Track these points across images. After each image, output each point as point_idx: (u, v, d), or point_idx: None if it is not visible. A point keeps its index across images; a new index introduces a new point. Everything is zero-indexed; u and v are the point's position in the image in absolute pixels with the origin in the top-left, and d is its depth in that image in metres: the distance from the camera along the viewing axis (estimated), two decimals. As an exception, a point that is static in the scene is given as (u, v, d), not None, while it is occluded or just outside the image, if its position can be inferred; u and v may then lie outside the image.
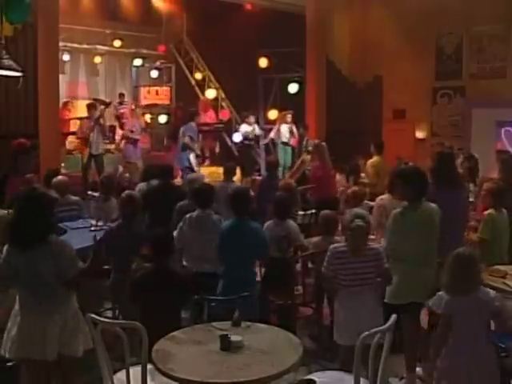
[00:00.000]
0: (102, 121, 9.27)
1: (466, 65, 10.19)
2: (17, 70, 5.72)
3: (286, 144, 10.48)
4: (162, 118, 13.03)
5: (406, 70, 10.44)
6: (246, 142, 9.23)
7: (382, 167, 7.55)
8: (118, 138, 11.46)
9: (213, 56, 12.66)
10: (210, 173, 11.01)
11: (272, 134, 10.43)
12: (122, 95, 12.74)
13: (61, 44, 9.68)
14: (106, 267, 4.55)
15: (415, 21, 10.17)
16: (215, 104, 12.83)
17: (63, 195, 5.67)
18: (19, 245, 3.06)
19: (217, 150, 11.69)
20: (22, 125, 8.19)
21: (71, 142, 11.26)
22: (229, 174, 6.78)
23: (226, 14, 12.11)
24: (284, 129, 10.41)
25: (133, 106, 10.09)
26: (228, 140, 11.83)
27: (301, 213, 8.16)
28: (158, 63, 13.43)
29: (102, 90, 13.62)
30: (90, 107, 9.40)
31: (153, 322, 3.12)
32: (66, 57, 12.38)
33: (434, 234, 3.87)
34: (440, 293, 3.10)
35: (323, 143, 7.36)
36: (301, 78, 11.57)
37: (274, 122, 11.70)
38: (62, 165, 10.33)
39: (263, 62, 12.05)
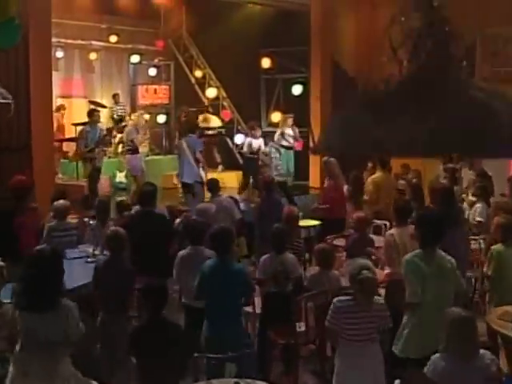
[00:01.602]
0: (106, 136, 9.39)
1: (478, 68, 10.13)
2: (7, 98, 5.76)
3: (289, 148, 10.53)
4: (161, 118, 13.08)
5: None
6: (252, 155, 9.27)
7: (385, 185, 7.51)
8: (115, 140, 11.52)
9: (213, 53, 12.65)
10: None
11: (277, 133, 10.53)
12: (116, 96, 12.71)
13: (54, 40, 9.63)
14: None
15: (425, 20, 10.13)
16: (216, 103, 12.88)
17: (62, 219, 5.76)
18: (28, 309, 3.14)
19: (218, 159, 11.71)
20: (15, 135, 8.24)
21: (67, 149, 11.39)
22: (214, 189, 6.84)
23: (228, 10, 12.08)
24: (287, 133, 10.47)
25: (141, 116, 10.11)
26: (230, 143, 11.92)
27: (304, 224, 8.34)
28: (156, 61, 13.43)
29: (97, 88, 13.63)
30: (90, 114, 9.42)
31: (150, 377, 3.22)
32: (59, 53, 12.36)
33: (451, 283, 3.85)
34: (435, 356, 3.14)
35: (332, 159, 7.36)
36: (305, 79, 11.55)
37: (276, 125, 11.75)
38: (60, 176, 10.48)
39: (266, 62, 12.03)
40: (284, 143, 10.50)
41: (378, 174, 7.65)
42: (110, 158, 11.08)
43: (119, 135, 11.30)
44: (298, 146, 11.16)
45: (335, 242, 6.56)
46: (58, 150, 10.95)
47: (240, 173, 11.31)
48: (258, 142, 9.41)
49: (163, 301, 3.61)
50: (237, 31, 11.94)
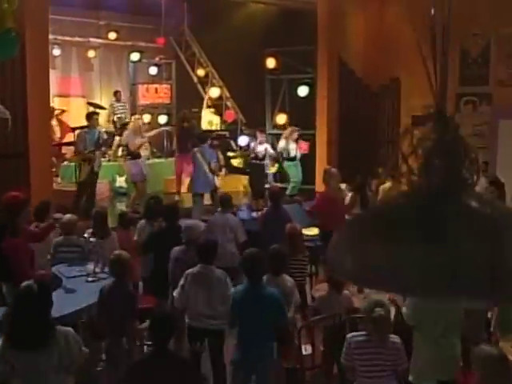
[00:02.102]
0: (107, 139, 9.39)
1: (493, 70, 10.08)
2: (4, 113, 5.75)
3: (294, 159, 10.54)
4: (162, 119, 13.09)
5: (426, 73, 10.34)
6: (257, 161, 9.26)
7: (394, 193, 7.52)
8: (114, 143, 11.51)
9: (216, 51, 12.65)
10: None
11: (282, 145, 10.49)
12: (117, 93, 12.64)
13: (50, 37, 9.58)
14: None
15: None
16: (219, 103, 12.86)
17: (68, 235, 5.82)
18: (18, 346, 3.14)
19: (221, 161, 11.67)
20: (11, 141, 8.23)
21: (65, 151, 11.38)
22: (225, 205, 6.87)
23: (231, 7, 12.04)
24: (291, 147, 10.48)
25: (138, 120, 10.03)
26: (233, 145, 11.90)
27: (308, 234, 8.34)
28: (156, 59, 13.42)
29: (96, 87, 13.60)
30: (88, 118, 9.40)
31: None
32: (56, 51, 12.32)
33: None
34: None
35: (333, 169, 7.33)
36: (311, 80, 11.53)
37: (281, 127, 11.73)
38: (59, 180, 10.47)
39: (271, 62, 12.00)
40: (291, 155, 10.51)
41: (389, 184, 7.59)
42: (109, 161, 11.08)
43: (118, 138, 11.29)
44: (304, 149, 11.14)
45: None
46: (58, 154, 10.91)
47: (244, 177, 11.30)
48: (264, 148, 9.38)
49: (171, 332, 3.59)
50: (241, 29, 11.92)
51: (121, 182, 10.81)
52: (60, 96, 12.83)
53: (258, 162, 9.29)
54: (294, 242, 5.69)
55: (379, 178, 8.47)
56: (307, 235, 8.62)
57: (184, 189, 10.39)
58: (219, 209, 6.98)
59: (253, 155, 9.18)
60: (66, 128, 11.82)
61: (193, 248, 5.04)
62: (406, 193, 1.64)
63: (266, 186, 11.05)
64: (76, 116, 12.79)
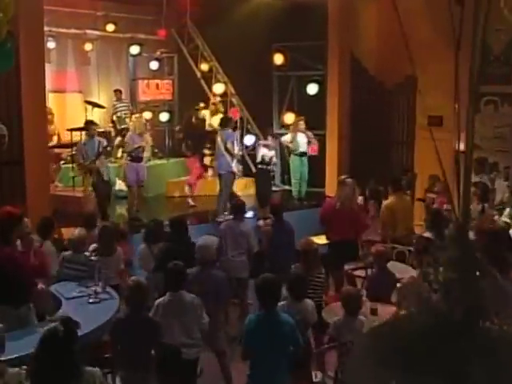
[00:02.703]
0: (106, 147, 9.48)
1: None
2: (1, 130, 5.86)
3: (302, 155, 10.60)
4: (164, 116, 13.15)
5: (443, 71, 10.26)
6: (264, 166, 9.35)
7: (399, 209, 7.53)
8: (115, 143, 11.62)
9: (221, 45, 12.65)
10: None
11: (288, 141, 10.58)
12: (118, 92, 12.67)
13: (45, 29, 9.63)
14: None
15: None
16: (223, 100, 12.93)
17: (78, 252, 5.92)
18: None
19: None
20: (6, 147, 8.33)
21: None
22: (237, 212, 6.97)
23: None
24: (301, 138, 10.52)
25: (140, 118, 10.12)
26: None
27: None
28: (158, 53, 13.46)
29: (93, 82, 13.63)
30: (87, 127, 9.48)
31: None
32: (51, 44, 12.32)
33: None
34: None
35: (348, 180, 7.41)
36: (321, 77, 11.56)
37: (289, 127, 11.80)
38: (56, 183, 10.60)
39: (278, 58, 12.03)
40: (301, 149, 10.55)
41: (391, 199, 7.69)
42: (109, 162, 11.12)
43: (119, 138, 11.39)
44: (313, 151, 11.23)
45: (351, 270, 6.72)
46: (54, 156, 11.02)
47: (249, 179, 11.40)
48: (272, 153, 9.48)
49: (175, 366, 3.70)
50: (247, 21, 11.92)
51: (121, 185, 10.90)
52: (55, 92, 12.87)
53: (265, 167, 9.37)
54: (308, 258, 5.75)
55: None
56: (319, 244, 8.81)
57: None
58: (231, 216, 7.07)
59: (259, 159, 9.26)
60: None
61: (208, 269, 5.18)
62: (427, 319, 1.72)
63: (275, 188, 11.17)
64: (71, 113, 12.92)
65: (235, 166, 9.95)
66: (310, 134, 10.61)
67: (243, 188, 11.41)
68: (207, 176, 11.69)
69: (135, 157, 9.52)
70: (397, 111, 11.08)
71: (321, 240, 8.75)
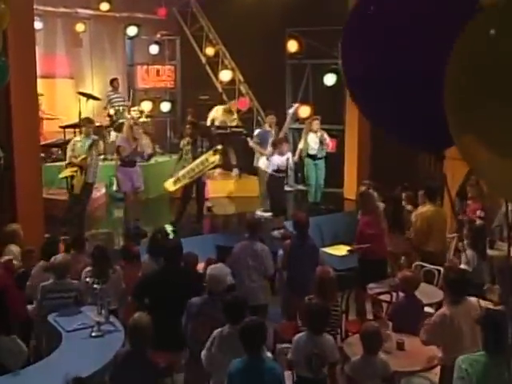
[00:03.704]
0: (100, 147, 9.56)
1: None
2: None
3: (314, 158, 10.66)
4: (165, 106, 13.27)
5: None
6: (277, 174, 9.43)
7: (436, 220, 7.56)
8: (109, 140, 11.73)
9: (228, 26, 12.72)
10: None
11: (301, 146, 10.66)
12: (114, 81, 12.67)
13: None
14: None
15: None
16: (231, 88, 12.97)
17: (62, 278, 5.99)
18: None
19: (233, 160, 11.92)
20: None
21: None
22: (253, 230, 7.04)
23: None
24: (311, 138, 10.57)
25: (130, 121, 10.08)
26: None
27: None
28: (158, 35, 13.51)
29: (86, 67, 13.71)
30: (83, 125, 9.55)
31: None
32: (38, 24, 12.27)
33: None
34: None
35: (370, 191, 7.53)
36: (340, 66, 11.57)
37: (304, 122, 11.86)
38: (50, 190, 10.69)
39: (292, 45, 12.06)
40: (310, 151, 10.62)
41: (427, 207, 7.69)
42: (105, 160, 11.26)
43: (114, 134, 11.47)
44: (330, 147, 11.27)
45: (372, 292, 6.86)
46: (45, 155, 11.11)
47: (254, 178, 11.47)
48: (285, 159, 9.53)
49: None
50: (258, 2, 11.97)
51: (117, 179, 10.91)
52: (43, 77, 12.89)
53: (277, 174, 9.44)
54: (324, 288, 5.87)
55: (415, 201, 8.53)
56: (332, 255, 8.93)
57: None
58: (246, 235, 7.11)
59: (274, 168, 9.32)
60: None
61: (219, 301, 5.29)
62: None
63: (288, 188, 11.25)
64: (62, 102, 13.00)
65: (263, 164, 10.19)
66: (325, 135, 10.63)
67: (252, 189, 11.55)
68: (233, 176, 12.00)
69: (127, 161, 9.39)
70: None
71: (339, 251, 8.93)
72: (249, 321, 4.65)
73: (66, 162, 9.31)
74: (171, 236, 8.16)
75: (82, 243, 7.03)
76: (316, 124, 10.50)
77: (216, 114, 11.95)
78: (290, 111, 10.92)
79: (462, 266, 6.77)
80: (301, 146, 10.62)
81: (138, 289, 6.06)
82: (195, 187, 9.64)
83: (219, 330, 5.02)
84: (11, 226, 7.14)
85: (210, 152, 9.43)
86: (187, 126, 9.61)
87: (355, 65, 2.63)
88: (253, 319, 4.70)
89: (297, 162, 10.80)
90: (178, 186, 9.47)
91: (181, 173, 9.41)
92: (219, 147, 9.52)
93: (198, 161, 9.38)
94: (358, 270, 7.44)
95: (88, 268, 6.29)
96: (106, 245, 7.48)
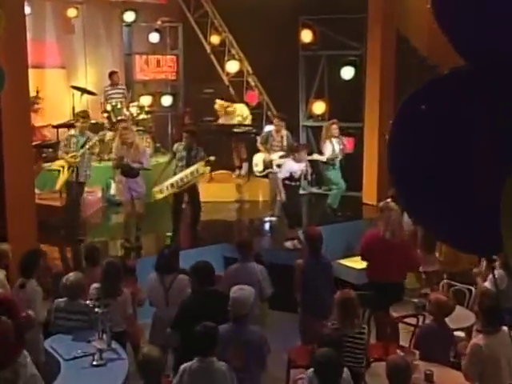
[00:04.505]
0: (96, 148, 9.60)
1: None
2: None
3: (334, 161, 10.68)
4: (166, 100, 13.28)
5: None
6: (291, 182, 9.44)
7: None
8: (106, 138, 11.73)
9: (235, 13, 12.73)
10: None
11: (316, 156, 10.69)
12: (114, 75, 12.56)
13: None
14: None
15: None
16: (238, 81, 12.98)
17: (74, 300, 6.09)
18: None
19: (243, 155, 11.97)
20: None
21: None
22: (244, 249, 7.02)
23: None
24: (329, 146, 10.57)
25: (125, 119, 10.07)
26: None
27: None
28: (158, 22, 13.49)
29: (79, 56, 13.64)
30: (77, 120, 9.62)
31: None
32: (26, 9, 12.34)
33: None
34: None
35: (392, 204, 7.51)
36: (358, 58, 11.59)
37: (319, 118, 11.88)
38: (37, 191, 10.74)
39: (306, 35, 12.03)
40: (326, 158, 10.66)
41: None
42: (101, 161, 11.27)
43: (110, 133, 11.45)
44: (348, 147, 11.29)
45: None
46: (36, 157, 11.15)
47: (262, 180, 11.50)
48: (302, 167, 9.52)
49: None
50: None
51: (115, 188, 10.99)
52: (31, 67, 12.88)
53: (291, 183, 9.44)
54: (346, 312, 5.90)
55: None
56: (350, 267, 8.94)
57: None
58: (239, 256, 7.09)
59: (286, 175, 9.31)
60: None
61: (244, 325, 5.39)
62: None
63: (301, 192, 11.26)
64: (52, 94, 12.93)
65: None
66: (344, 140, 10.66)
67: (259, 192, 11.61)
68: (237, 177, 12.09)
69: (128, 170, 9.30)
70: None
71: (357, 263, 8.94)
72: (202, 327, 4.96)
73: (58, 156, 9.41)
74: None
75: (96, 256, 7.05)
76: (335, 129, 10.54)
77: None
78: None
79: (486, 284, 6.80)
80: (316, 157, 10.64)
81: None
82: (187, 193, 9.68)
83: (188, 364, 5.04)
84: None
85: (202, 162, 9.43)
86: (184, 135, 9.52)
87: (402, 156, 2.70)
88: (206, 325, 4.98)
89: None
90: (164, 195, 9.46)
91: (169, 181, 9.41)
92: (212, 158, 9.52)
93: (188, 170, 9.38)
94: (371, 294, 7.42)
95: (95, 285, 6.31)
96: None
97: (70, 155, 9.29)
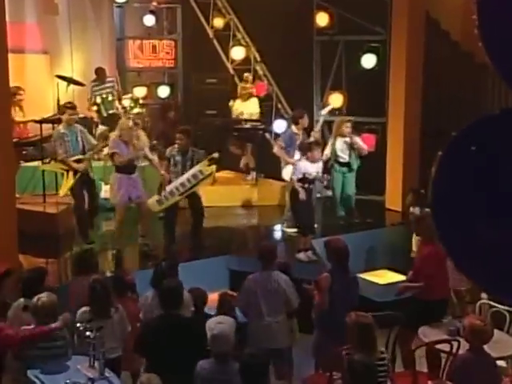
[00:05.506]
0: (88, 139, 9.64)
1: None
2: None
3: (343, 165, 10.62)
4: (163, 91, 13.28)
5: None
6: (304, 184, 9.38)
7: None
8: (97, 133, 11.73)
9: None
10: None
11: (327, 151, 10.63)
12: (100, 71, 12.52)
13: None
14: None
15: None
16: (244, 69, 12.94)
17: (46, 324, 5.95)
18: None
19: (251, 164, 11.96)
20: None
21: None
22: (266, 259, 7.01)
23: None
24: (339, 144, 10.55)
25: (127, 121, 10.03)
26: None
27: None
28: (154, 3, 13.48)
29: (64, 39, 13.54)
30: (64, 110, 9.65)
31: None
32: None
33: None
34: None
35: (426, 210, 7.46)
36: (381, 44, 11.57)
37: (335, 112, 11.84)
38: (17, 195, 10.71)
39: (322, 18, 11.99)
40: (339, 159, 10.60)
41: None
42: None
43: (101, 127, 11.47)
44: (369, 145, 11.21)
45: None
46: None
47: (281, 184, 11.46)
48: (316, 167, 9.48)
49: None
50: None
51: (107, 191, 10.87)
52: (10, 52, 12.88)
53: (304, 185, 9.38)
54: (364, 338, 5.84)
55: None
56: (372, 283, 8.87)
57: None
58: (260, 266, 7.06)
59: (299, 176, 9.27)
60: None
61: (227, 362, 5.38)
62: None
63: (318, 195, 11.24)
64: (34, 84, 12.89)
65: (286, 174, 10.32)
66: (357, 139, 10.57)
67: (272, 196, 11.58)
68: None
69: (125, 166, 9.35)
70: (491, 94, 11.02)
71: (381, 278, 8.88)
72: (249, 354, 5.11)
73: (58, 158, 9.39)
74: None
75: (92, 264, 7.11)
76: (347, 128, 10.48)
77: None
78: (323, 112, 10.87)
79: None
80: (327, 151, 10.59)
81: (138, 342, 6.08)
82: (187, 199, 9.66)
83: None
84: None
85: (205, 162, 9.38)
86: (178, 136, 9.45)
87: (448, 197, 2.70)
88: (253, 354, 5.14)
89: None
90: (165, 206, 9.43)
91: (167, 189, 9.37)
92: (215, 155, 9.47)
93: (188, 174, 9.34)
94: (410, 311, 7.36)
95: (84, 309, 6.28)
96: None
97: (73, 158, 9.33)
